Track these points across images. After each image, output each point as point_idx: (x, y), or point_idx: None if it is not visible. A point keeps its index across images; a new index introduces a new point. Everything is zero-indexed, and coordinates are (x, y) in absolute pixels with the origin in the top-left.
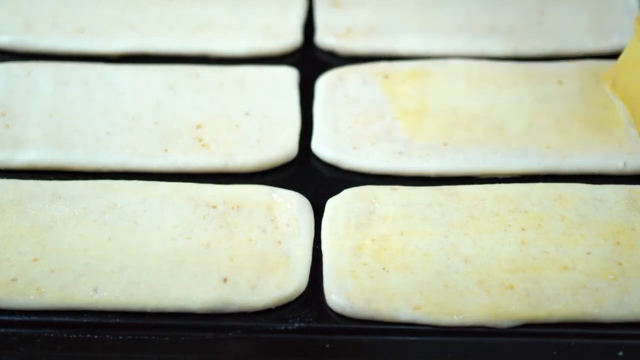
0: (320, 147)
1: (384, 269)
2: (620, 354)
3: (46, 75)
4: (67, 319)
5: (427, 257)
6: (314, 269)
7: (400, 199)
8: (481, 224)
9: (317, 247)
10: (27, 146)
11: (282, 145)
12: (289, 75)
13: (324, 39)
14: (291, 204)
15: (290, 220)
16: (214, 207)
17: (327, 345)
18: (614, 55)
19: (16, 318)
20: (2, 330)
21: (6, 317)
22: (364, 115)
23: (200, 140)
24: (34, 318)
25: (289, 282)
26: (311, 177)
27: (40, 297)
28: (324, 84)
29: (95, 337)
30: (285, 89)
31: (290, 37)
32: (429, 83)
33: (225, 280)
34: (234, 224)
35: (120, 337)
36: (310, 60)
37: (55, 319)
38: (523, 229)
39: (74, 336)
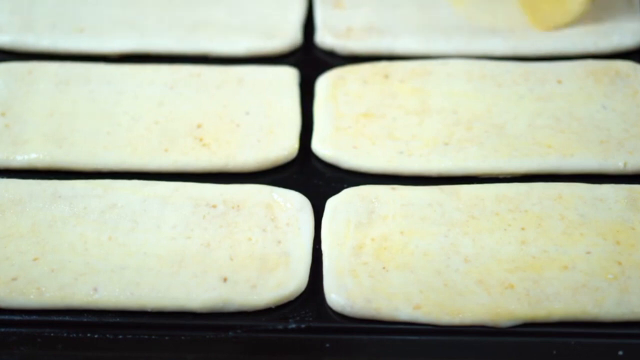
0: (321, 146)
1: (383, 268)
2: (620, 353)
3: (46, 75)
4: (67, 318)
5: (427, 256)
6: (314, 268)
7: (400, 198)
8: (481, 224)
9: (317, 246)
10: (27, 146)
11: (282, 145)
12: (289, 75)
13: (324, 38)
14: (291, 204)
15: (291, 220)
16: (214, 206)
17: (327, 345)
18: (613, 55)
19: (16, 317)
20: (2, 329)
21: (6, 317)
22: (364, 115)
23: (201, 140)
24: (34, 317)
25: (289, 282)
26: (311, 176)
27: (41, 297)
28: (324, 83)
29: (96, 336)
30: (286, 88)
31: (290, 37)
32: (429, 83)
33: (225, 279)
34: (234, 224)
35: (120, 337)
36: (310, 60)
37: (55, 318)
38: (523, 229)
39: (74, 335)
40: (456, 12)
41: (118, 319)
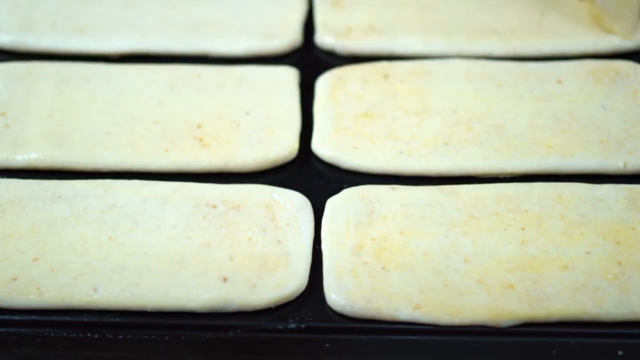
0: (320, 146)
1: (383, 268)
2: (620, 353)
3: (46, 75)
4: (67, 318)
5: (427, 256)
6: (314, 268)
7: (400, 198)
8: (481, 224)
9: (317, 246)
10: (27, 146)
11: (282, 145)
12: (289, 75)
13: (324, 38)
14: (291, 204)
15: (291, 220)
16: (214, 206)
17: (327, 345)
18: (613, 55)
19: (16, 317)
20: (3, 329)
21: (6, 317)
22: (364, 115)
23: (201, 140)
24: (34, 317)
25: (289, 282)
26: (311, 176)
27: (41, 297)
28: (324, 83)
29: (96, 336)
30: (286, 89)
31: (290, 37)
32: (429, 83)
33: (225, 279)
34: (234, 224)
35: (120, 337)
36: (310, 60)
37: (55, 318)
38: (523, 229)
39: (74, 335)
40: (456, 12)
41: (118, 319)
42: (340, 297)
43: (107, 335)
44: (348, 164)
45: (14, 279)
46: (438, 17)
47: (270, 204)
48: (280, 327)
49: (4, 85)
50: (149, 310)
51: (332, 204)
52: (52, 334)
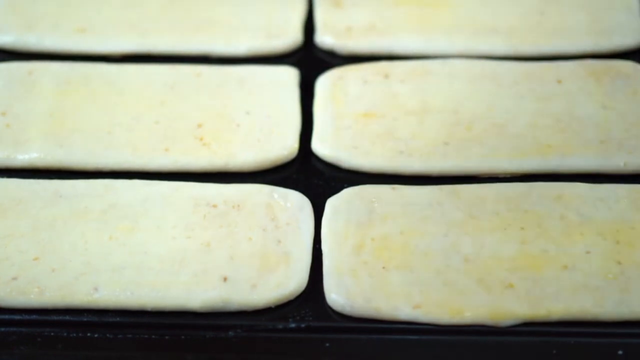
0: (321, 146)
1: (383, 268)
2: (620, 352)
3: (47, 75)
4: (67, 317)
5: (427, 256)
6: (314, 268)
7: (400, 198)
8: (481, 223)
9: (317, 246)
10: (28, 145)
11: (282, 145)
12: (289, 75)
13: (324, 38)
14: (291, 203)
15: (291, 220)
16: (215, 206)
17: (327, 344)
18: (613, 55)
19: (17, 317)
20: (2, 329)
21: (7, 316)
22: (364, 115)
23: (201, 139)
24: (34, 317)
25: (289, 281)
26: (311, 176)
27: (41, 296)
28: (324, 83)
29: (96, 335)
30: (286, 88)
31: (290, 37)
32: (429, 82)
33: (225, 279)
34: (234, 223)
35: (120, 336)
36: (310, 60)
37: (55, 317)
38: (523, 228)
39: (74, 335)
40: (456, 11)
41: (118, 319)
42: (340, 297)
43: (107, 335)
44: (348, 163)
45: (14, 279)
46: (438, 16)
47: (270, 203)
48: (280, 326)
49: (5, 85)
50: (149, 310)
51: (332, 203)
52: (52, 334)
